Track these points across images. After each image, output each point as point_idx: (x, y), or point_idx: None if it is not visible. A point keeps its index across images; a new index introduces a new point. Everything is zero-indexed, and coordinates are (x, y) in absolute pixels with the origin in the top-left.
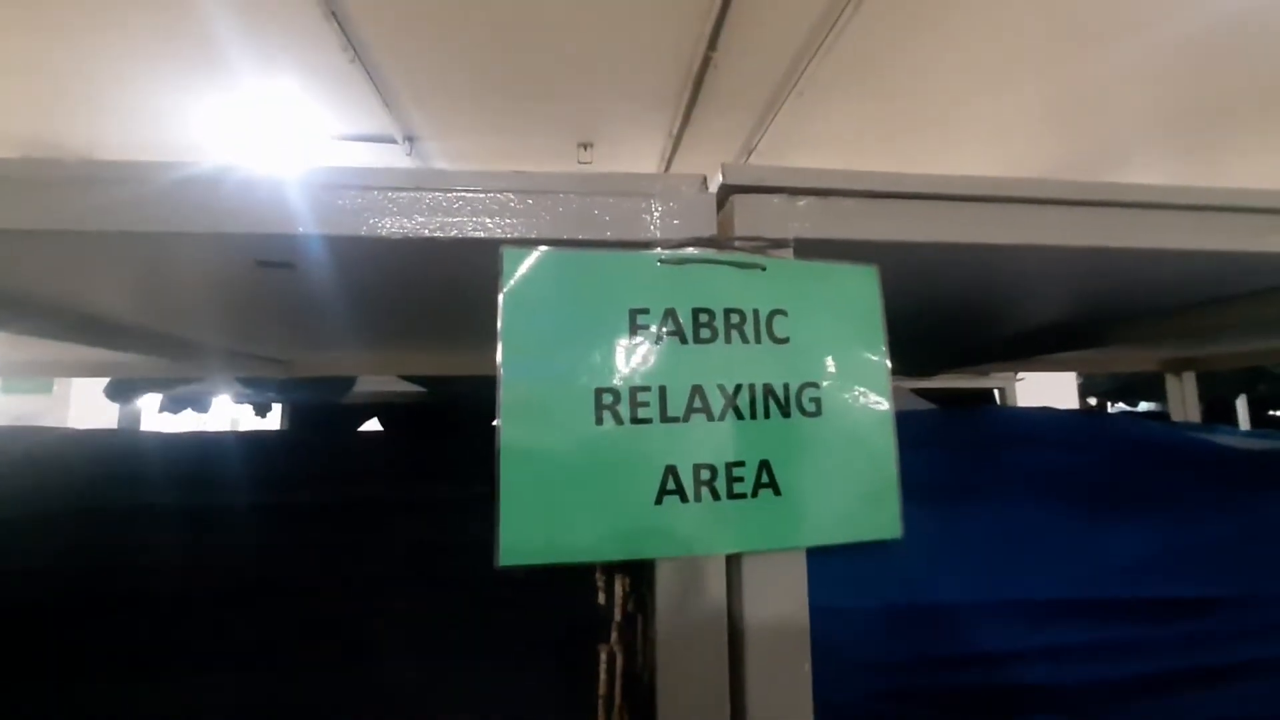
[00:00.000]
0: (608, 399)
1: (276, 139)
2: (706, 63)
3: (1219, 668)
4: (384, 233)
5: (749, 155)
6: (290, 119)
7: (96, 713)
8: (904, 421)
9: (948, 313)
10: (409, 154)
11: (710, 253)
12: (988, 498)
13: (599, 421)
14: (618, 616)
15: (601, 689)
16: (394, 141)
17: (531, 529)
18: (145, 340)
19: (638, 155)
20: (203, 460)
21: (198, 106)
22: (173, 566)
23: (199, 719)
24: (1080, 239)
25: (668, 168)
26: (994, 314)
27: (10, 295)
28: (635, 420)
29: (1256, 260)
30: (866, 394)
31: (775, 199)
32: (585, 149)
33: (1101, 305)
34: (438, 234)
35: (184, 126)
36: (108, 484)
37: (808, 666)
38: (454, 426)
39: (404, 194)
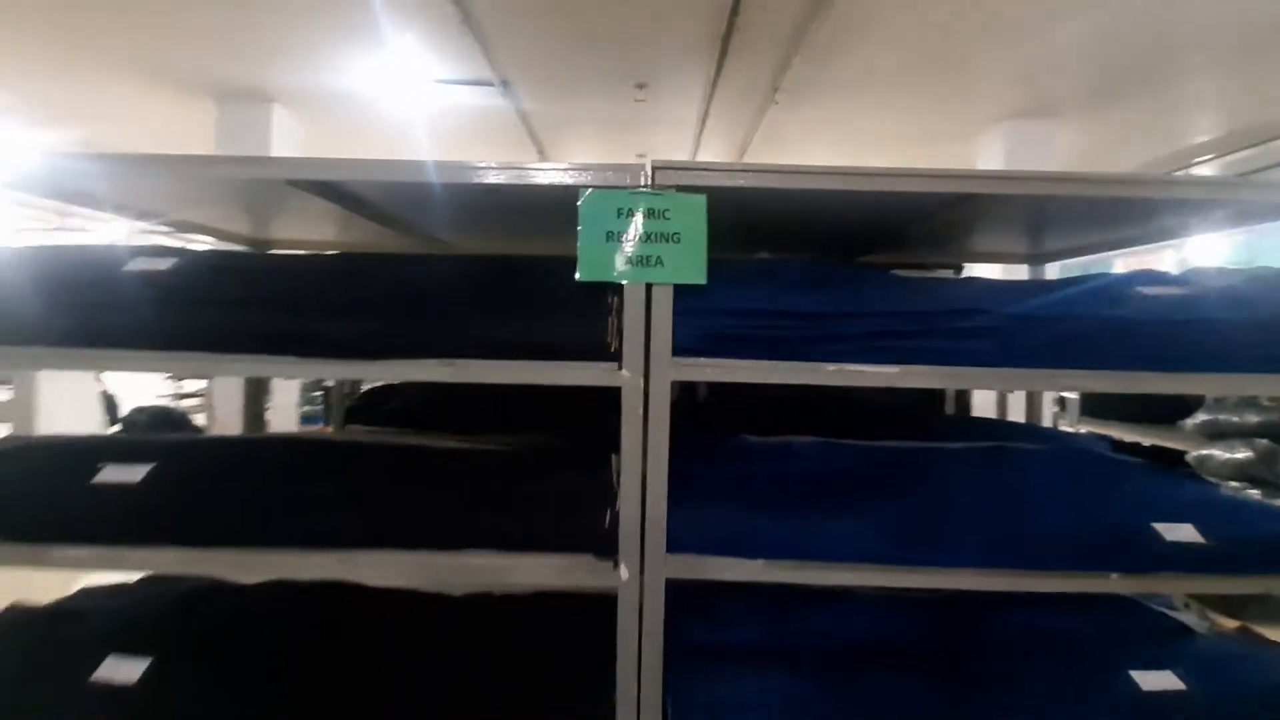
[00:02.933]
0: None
1: (399, 85)
2: (735, 11)
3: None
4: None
5: (775, 94)
6: (405, 67)
7: None
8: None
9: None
10: (503, 95)
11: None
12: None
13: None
14: None
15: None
16: (490, 84)
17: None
18: None
19: (684, 96)
20: None
21: (347, 56)
22: None
23: None
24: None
25: (707, 107)
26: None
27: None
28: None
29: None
30: (692, 230)
31: (672, 172)
32: (641, 89)
33: (871, 226)
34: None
35: (335, 73)
36: None
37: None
38: None
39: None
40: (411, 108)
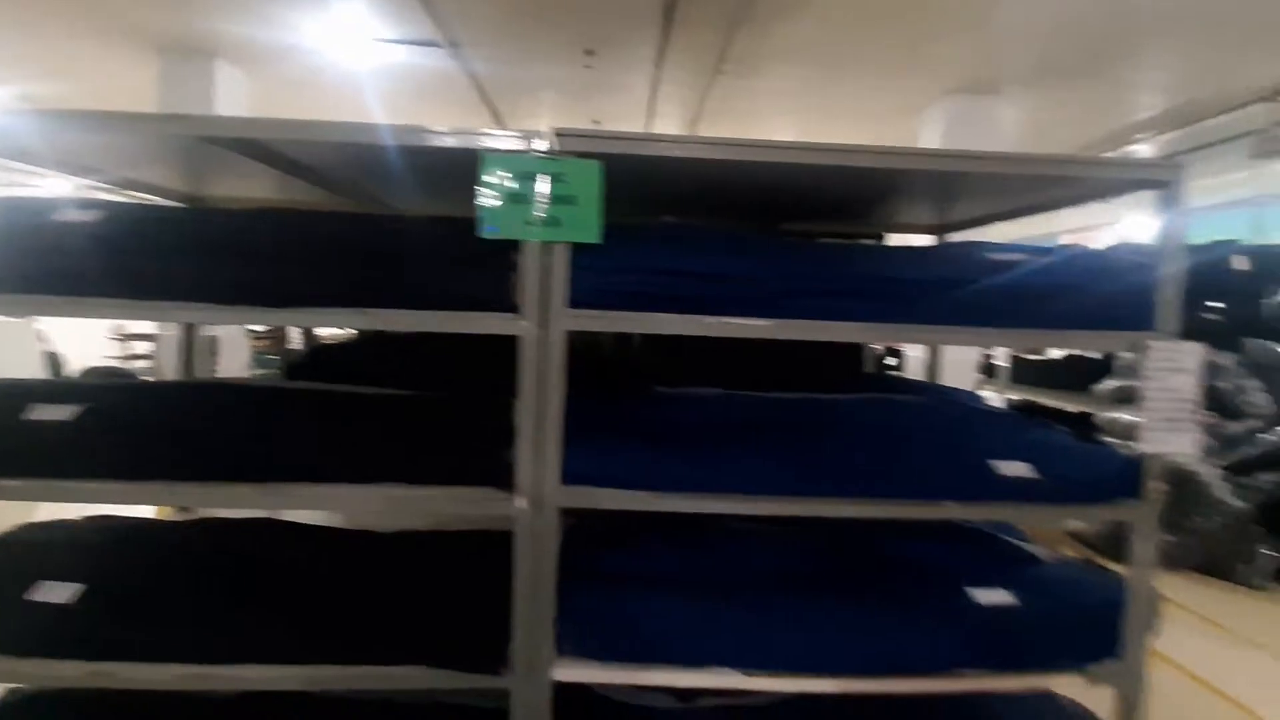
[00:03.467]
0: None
1: (344, 42)
2: None
3: None
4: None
5: (722, 64)
6: (350, 24)
7: None
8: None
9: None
10: (453, 57)
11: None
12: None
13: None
14: None
15: None
16: (437, 45)
17: None
18: None
19: (633, 64)
20: None
21: (292, 10)
22: None
23: None
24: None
25: (658, 75)
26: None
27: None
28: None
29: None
30: (588, 193)
31: (572, 139)
32: (589, 55)
33: (781, 196)
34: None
35: (280, 28)
36: None
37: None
38: None
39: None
40: (360, 67)
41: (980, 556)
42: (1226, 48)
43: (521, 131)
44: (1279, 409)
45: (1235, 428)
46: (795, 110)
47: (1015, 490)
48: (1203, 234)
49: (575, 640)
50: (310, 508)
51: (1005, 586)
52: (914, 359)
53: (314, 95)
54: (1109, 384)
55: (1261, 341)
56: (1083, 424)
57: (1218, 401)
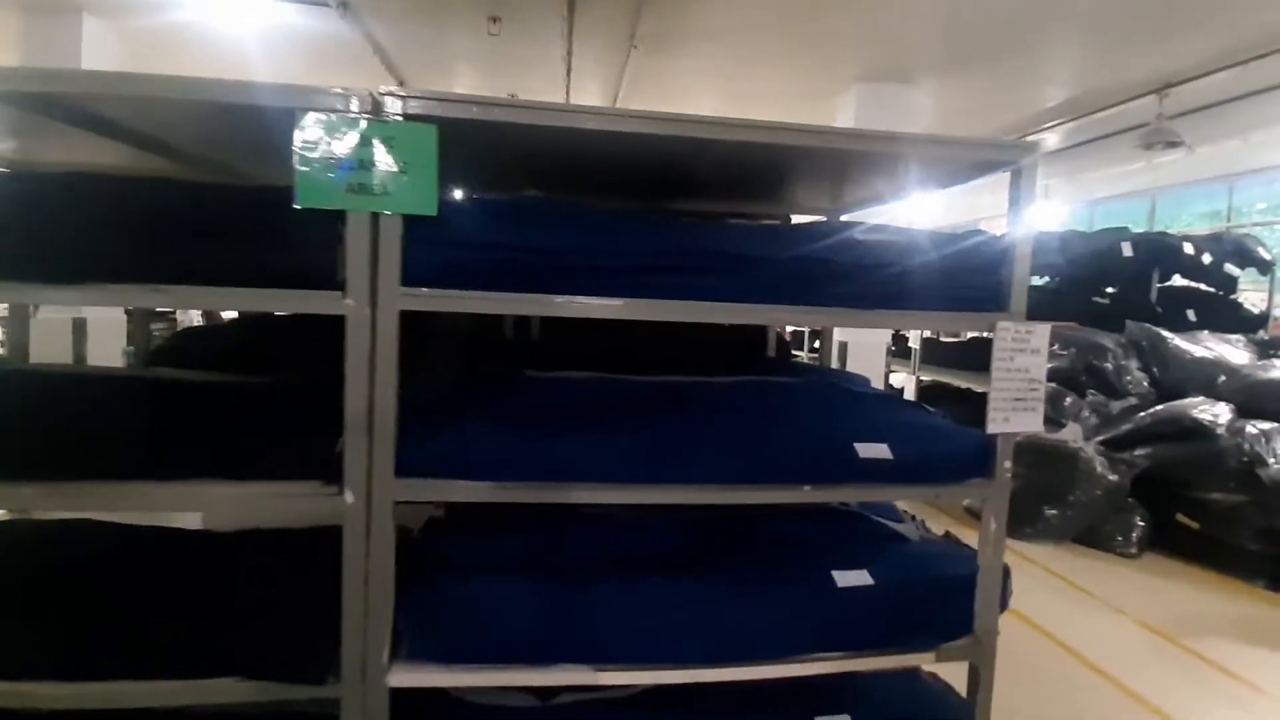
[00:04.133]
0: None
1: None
2: None
3: None
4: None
5: (633, 41)
6: None
7: None
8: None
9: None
10: (344, 18)
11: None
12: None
13: (325, 167)
14: None
15: None
16: (326, 4)
17: None
18: None
19: (540, 35)
20: None
21: None
22: None
23: None
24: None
25: (569, 49)
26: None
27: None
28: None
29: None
30: (421, 160)
31: (400, 100)
32: (494, 22)
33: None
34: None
35: None
36: None
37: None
38: None
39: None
40: (245, 27)
41: (845, 536)
42: (1119, 42)
43: (344, 90)
44: (1157, 388)
45: (1117, 405)
46: (717, 93)
47: (873, 472)
48: (1107, 223)
49: (415, 643)
50: (110, 508)
51: (867, 567)
52: (834, 342)
53: (196, 59)
54: None
55: (1141, 324)
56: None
57: (1102, 381)
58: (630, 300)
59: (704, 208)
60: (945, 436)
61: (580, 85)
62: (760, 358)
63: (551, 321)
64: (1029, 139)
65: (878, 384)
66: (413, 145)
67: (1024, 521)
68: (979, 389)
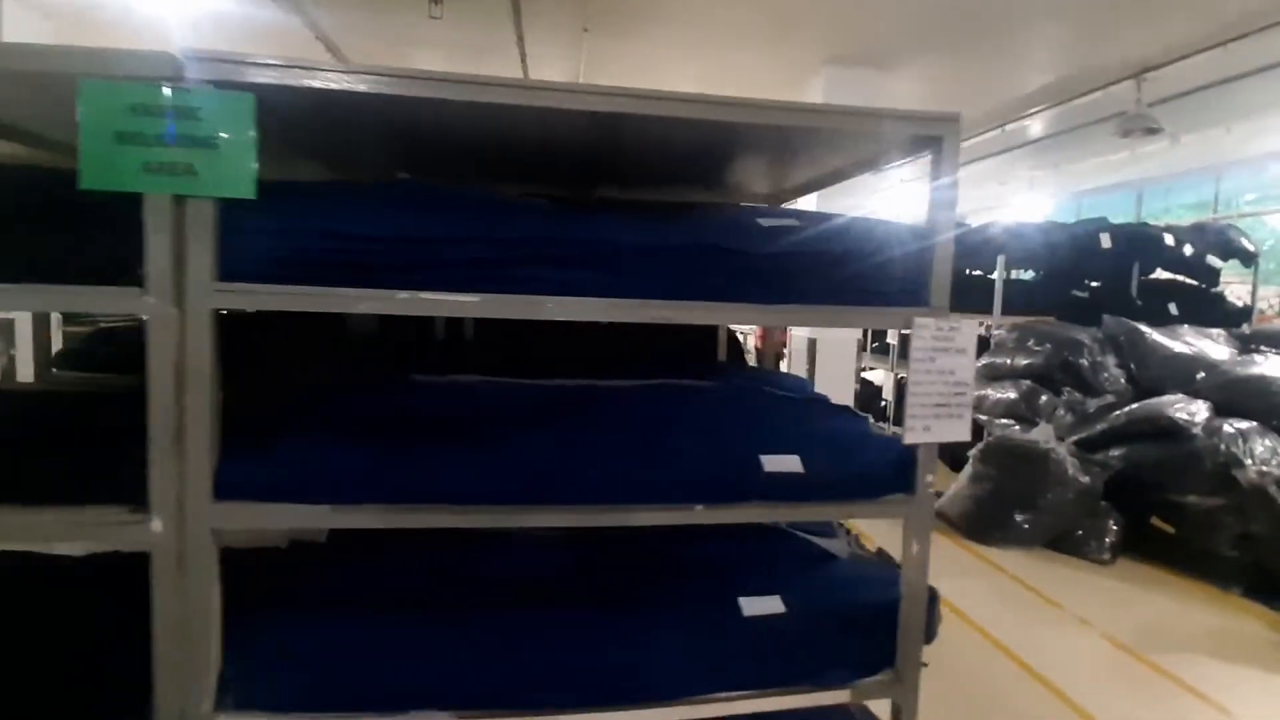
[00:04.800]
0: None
1: None
2: None
3: None
4: None
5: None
6: None
7: None
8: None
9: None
10: (275, 2)
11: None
12: None
13: (115, 141)
14: None
15: None
16: None
17: None
18: None
19: (487, 18)
20: None
21: None
22: None
23: None
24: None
25: (520, 33)
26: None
27: None
28: None
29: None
30: (235, 135)
31: (208, 65)
32: (436, 4)
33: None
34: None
35: None
36: None
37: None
38: None
39: None
40: (179, 13)
41: (763, 556)
42: (1096, 23)
43: (137, 51)
44: (1134, 385)
45: (1093, 403)
46: (679, 79)
47: (780, 488)
48: (1094, 215)
49: (245, 688)
50: None
51: (781, 592)
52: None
53: (121, 39)
54: (981, 360)
55: (1119, 319)
56: None
57: (1078, 378)
58: (488, 296)
59: (642, 196)
60: (866, 447)
61: (538, 72)
62: (699, 359)
63: (490, 320)
64: (1009, 127)
65: (846, 383)
66: (225, 117)
67: (993, 526)
68: None
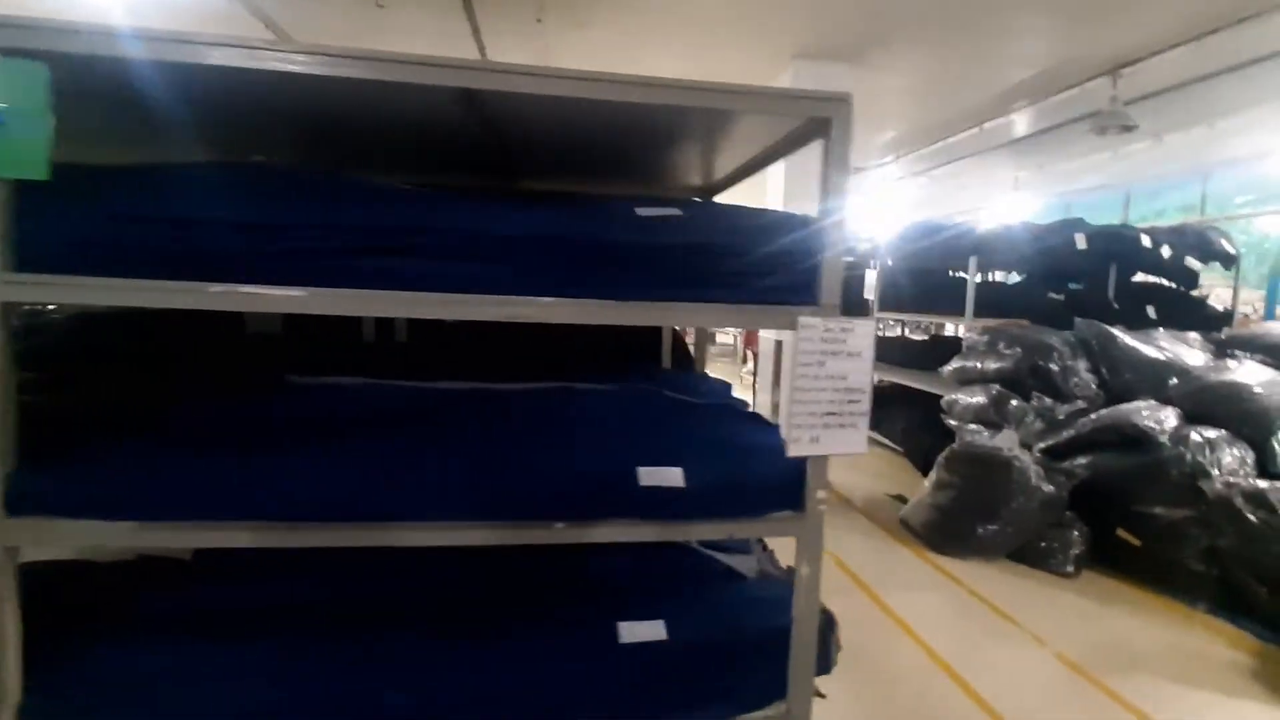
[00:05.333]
0: None
1: None
2: None
3: None
4: None
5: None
6: None
7: None
8: None
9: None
10: None
11: None
12: None
13: None
14: None
15: None
16: None
17: None
18: None
19: (434, 8)
20: None
21: None
22: None
23: None
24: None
25: (475, 25)
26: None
27: None
28: None
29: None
30: (26, 108)
31: None
32: None
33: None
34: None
35: None
36: None
37: None
38: None
39: None
40: (124, 3)
41: (659, 574)
42: (1071, 18)
43: None
44: (1106, 390)
45: (1063, 409)
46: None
47: (656, 503)
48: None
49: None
50: None
51: (668, 616)
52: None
53: None
54: (953, 364)
55: (1090, 321)
56: (934, 407)
57: (1047, 383)
58: (317, 291)
59: (568, 189)
60: (754, 458)
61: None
62: (641, 359)
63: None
64: (987, 126)
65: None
66: (12, 87)
67: (953, 537)
68: (936, 391)
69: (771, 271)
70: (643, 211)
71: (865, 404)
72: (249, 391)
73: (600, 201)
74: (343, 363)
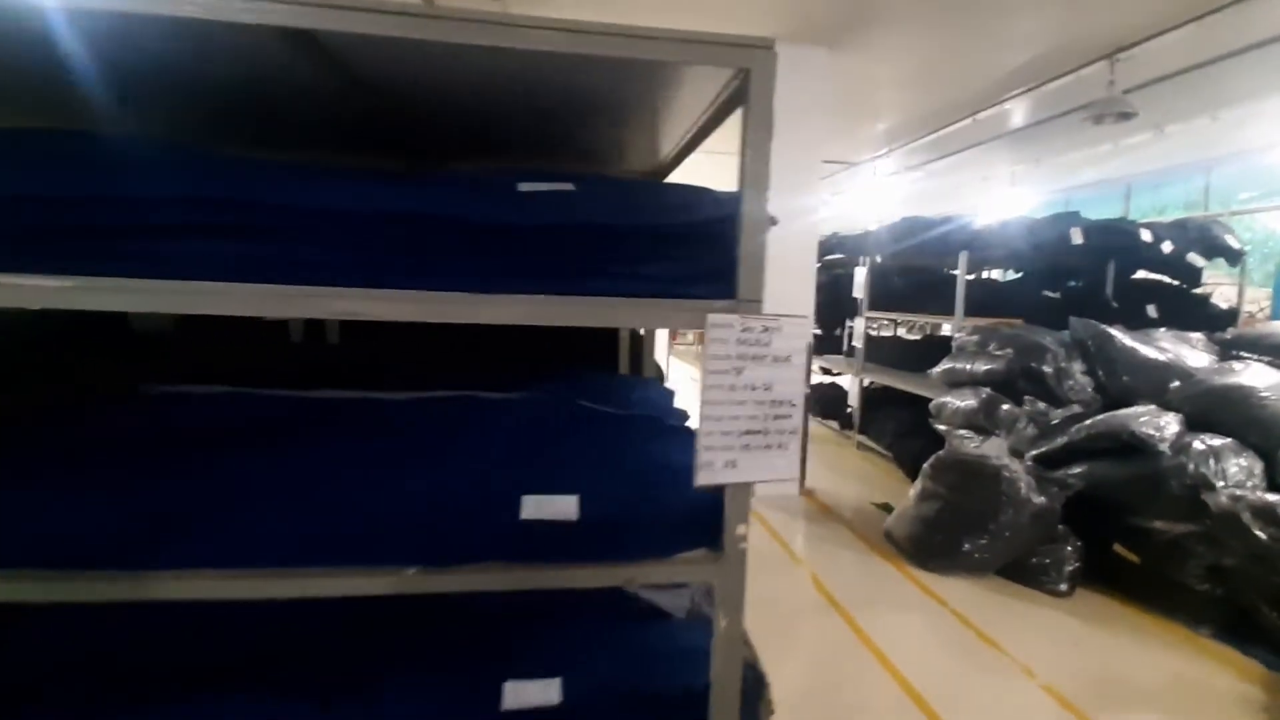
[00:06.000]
0: None
1: None
2: None
3: None
4: None
5: None
6: None
7: None
8: None
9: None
10: None
11: None
12: None
13: None
14: None
15: None
16: None
17: None
18: None
19: None
20: None
21: None
22: None
23: None
24: None
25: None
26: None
27: None
28: None
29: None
30: None
31: None
32: None
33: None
34: None
35: None
36: None
37: None
38: None
39: None
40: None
41: (559, 617)
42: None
43: None
44: (1103, 394)
45: (1058, 415)
46: None
47: (538, 541)
48: (1082, 213)
49: None
50: None
51: (565, 672)
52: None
53: None
54: (943, 366)
55: (1086, 321)
56: (925, 411)
57: (1041, 386)
58: (90, 280)
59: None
60: (669, 486)
61: None
62: (597, 360)
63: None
64: (981, 116)
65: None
66: None
67: (938, 552)
68: (927, 394)
69: (677, 258)
70: (525, 186)
71: (796, 420)
72: (61, 406)
73: (477, 175)
74: (227, 368)
